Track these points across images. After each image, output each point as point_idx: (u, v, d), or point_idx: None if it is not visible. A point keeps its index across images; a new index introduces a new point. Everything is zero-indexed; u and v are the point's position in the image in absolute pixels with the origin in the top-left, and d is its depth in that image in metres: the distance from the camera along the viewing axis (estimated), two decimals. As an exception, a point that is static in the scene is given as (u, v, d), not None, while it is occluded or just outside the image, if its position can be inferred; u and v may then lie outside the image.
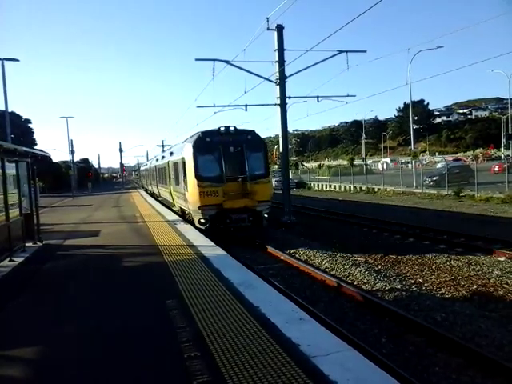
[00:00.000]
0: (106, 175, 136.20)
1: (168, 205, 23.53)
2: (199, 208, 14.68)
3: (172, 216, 18.64)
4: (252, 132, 15.81)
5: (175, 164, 18.49)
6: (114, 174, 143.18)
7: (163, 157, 25.70)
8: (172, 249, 10.56)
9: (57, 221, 18.99)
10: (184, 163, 15.73)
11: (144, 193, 42.81)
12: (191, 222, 15.94)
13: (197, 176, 14.71)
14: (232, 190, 14.59)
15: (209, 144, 14.95)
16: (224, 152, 14.73)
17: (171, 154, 21.03)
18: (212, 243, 11.21)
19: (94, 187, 59.44)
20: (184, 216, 18.19)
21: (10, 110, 30.34)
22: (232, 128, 15.30)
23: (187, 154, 15.36)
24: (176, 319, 5.58)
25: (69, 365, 4.58)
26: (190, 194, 15.18)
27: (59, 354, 4.87)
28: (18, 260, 10.33)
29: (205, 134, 15.43)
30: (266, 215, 15.13)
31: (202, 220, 14.76)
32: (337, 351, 4.35)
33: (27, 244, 12.03)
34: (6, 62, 27.32)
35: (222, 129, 15.20)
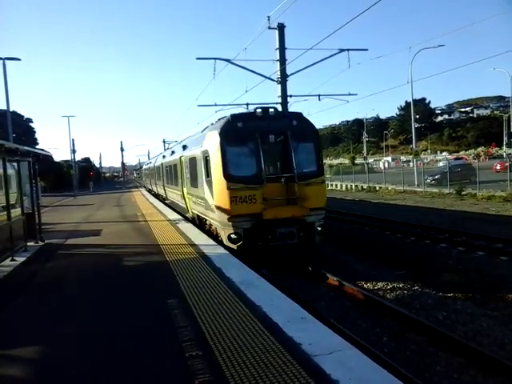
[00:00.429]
0: (108, 174, 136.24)
1: (179, 210, 19.90)
2: (229, 219, 10.85)
3: (173, 215, 18.62)
4: (299, 115, 12.12)
5: (192, 160, 14.62)
6: (116, 174, 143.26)
7: (173, 152, 21.98)
8: (173, 248, 10.56)
9: (58, 220, 19.02)
10: (206, 158, 11.99)
11: (146, 192, 42.85)
12: (213, 237, 12.28)
13: (226, 175, 10.86)
14: (274, 194, 10.91)
15: (241, 131, 11.18)
16: (262, 142, 11.00)
17: (184, 147, 17.00)
18: (213, 242, 11.21)
19: (95, 186, 59.63)
20: (202, 226, 14.48)
21: (11, 110, 30.41)
22: (272, 110, 11.66)
23: (211, 144, 11.62)
24: (177, 318, 5.58)
25: (69, 365, 4.58)
26: (215, 200, 11.30)
27: (59, 354, 4.87)
28: (20, 259, 10.34)
29: (236, 117, 11.62)
30: (319, 228, 11.31)
31: (234, 236, 10.89)
32: (338, 350, 4.34)
33: (29, 243, 12.04)
34: (6, 62, 27.37)
35: (259, 111, 11.52)
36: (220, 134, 11.21)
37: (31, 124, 72.57)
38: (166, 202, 26.01)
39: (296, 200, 11.00)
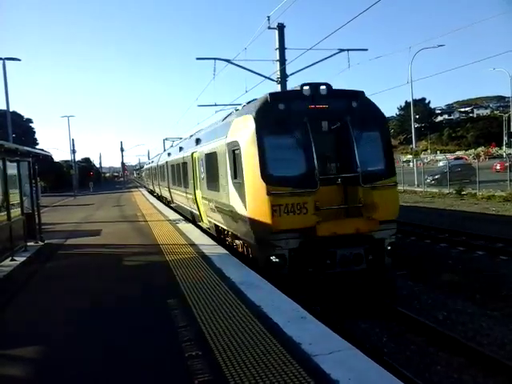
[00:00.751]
0: (108, 174, 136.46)
1: (187, 216, 17.62)
2: (270, 236, 8.08)
3: (173, 215, 18.62)
4: (360, 94, 9.15)
5: (210, 156, 11.70)
6: (116, 174, 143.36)
7: (181, 148, 18.97)
8: (173, 248, 10.56)
9: (58, 220, 19.04)
10: (234, 152, 9.31)
11: (146, 192, 42.85)
12: (240, 255, 9.66)
13: (265, 175, 8.11)
14: (330, 202, 8.32)
15: (285, 115, 8.45)
16: (313, 130, 8.28)
17: (198, 141, 14.05)
18: (213, 242, 11.20)
19: (95, 186, 59.69)
20: (222, 239, 11.74)
21: (11, 110, 30.40)
22: (323, 87, 8.78)
23: (242, 134, 8.86)
24: (177, 318, 5.59)
25: (69, 365, 4.58)
26: (249, 209, 8.54)
27: (59, 354, 4.87)
28: (20, 259, 10.34)
29: (276, 97, 8.89)
30: (389, 247, 8.65)
31: (275, 259, 8.14)
32: (338, 350, 4.34)
33: (29, 243, 12.05)
34: (6, 62, 27.37)
35: (306, 88, 8.71)
36: (256, 120, 8.43)
37: (31, 124, 72.62)
38: (172, 205, 23.26)
39: (360, 209, 8.34)
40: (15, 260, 10.21)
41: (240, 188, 8.92)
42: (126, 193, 44.01)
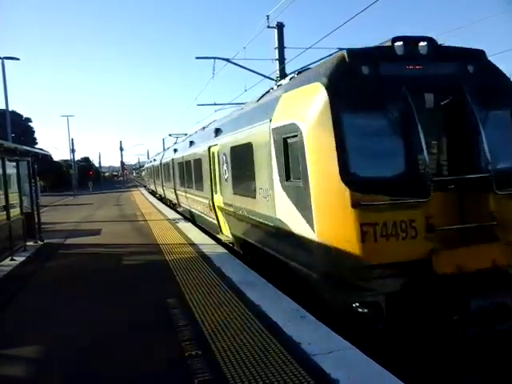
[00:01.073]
0: (107, 174, 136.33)
1: (199, 223, 15.22)
2: (357, 273, 5.26)
3: (173, 214, 18.63)
4: (478, 55, 6.37)
5: (240, 149, 9.12)
6: (115, 173, 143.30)
7: (191, 142, 16.10)
8: (173, 247, 10.57)
9: (58, 220, 19.02)
10: (286, 141, 6.63)
11: (145, 191, 42.86)
12: (290, 290, 6.60)
13: (347, 175, 5.36)
14: (444, 218, 5.57)
15: (372, 84, 5.72)
16: (416, 107, 5.58)
17: (218, 131, 11.44)
18: (213, 241, 11.20)
19: (94, 186, 59.61)
20: (251, 259, 9.33)
21: (10, 109, 30.35)
22: (423, 44, 5.99)
23: (305, 113, 6.03)
24: (177, 318, 5.59)
25: (69, 365, 4.57)
26: (319, 229, 5.68)
27: (59, 354, 4.86)
28: (19, 259, 10.33)
29: (358, 55, 5.97)
30: None
31: (363, 308, 5.25)
32: (338, 349, 4.34)
33: (28, 243, 12.04)
34: (6, 62, 27.32)
35: (400, 45, 5.94)
36: (329, 89, 5.67)
37: (30, 124, 72.37)
38: (179, 209, 20.72)
39: (493, 230, 5.56)
40: (15, 260, 10.20)
41: (300, 195, 6.14)
42: (126, 192, 44.03)
